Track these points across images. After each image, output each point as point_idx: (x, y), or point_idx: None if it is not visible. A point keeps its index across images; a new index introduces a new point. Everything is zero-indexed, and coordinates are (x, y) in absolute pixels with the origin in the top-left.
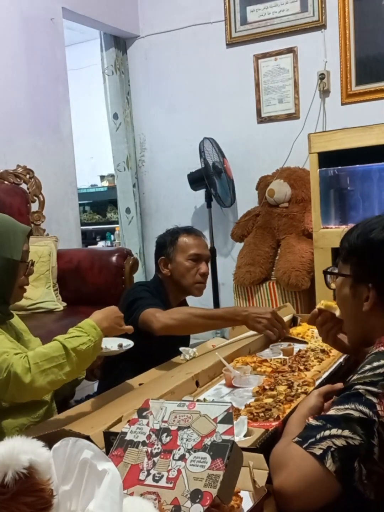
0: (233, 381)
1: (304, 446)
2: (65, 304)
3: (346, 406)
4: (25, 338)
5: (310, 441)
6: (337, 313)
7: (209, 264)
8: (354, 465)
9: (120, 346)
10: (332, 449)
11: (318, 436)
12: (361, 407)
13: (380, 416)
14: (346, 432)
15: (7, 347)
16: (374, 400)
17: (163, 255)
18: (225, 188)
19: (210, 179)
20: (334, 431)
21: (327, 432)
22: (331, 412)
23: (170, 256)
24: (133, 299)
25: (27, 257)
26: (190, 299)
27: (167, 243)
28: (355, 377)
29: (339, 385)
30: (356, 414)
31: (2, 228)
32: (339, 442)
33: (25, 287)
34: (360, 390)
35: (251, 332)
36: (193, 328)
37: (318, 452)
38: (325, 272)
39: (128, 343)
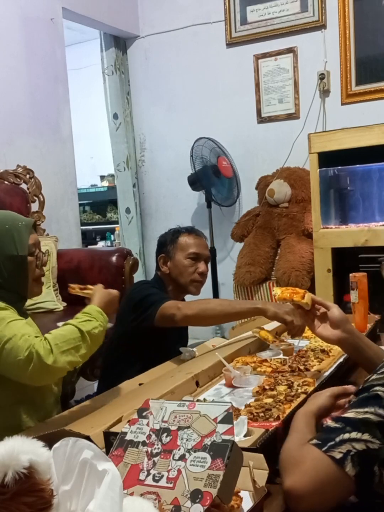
0: (233, 381)
1: (323, 449)
2: (65, 304)
3: (365, 409)
4: None
5: (329, 444)
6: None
7: (209, 265)
8: (374, 469)
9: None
10: (352, 453)
11: (337, 439)
12: (380, 411)
13: None
14: (366, 436)
15: (28, 330)
16: None
17: (163, 253)
18: (224, 188)
19: (205, 182)
20: (354, 434)
21: (347, 435)
22: (350, 414)
23: (169, 254)
24: (142, 297)
25: (36, 249)
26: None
27: (167, 241)
28: (374, 377)
29: (353, 388)
30: (375, 418)
31: (3, 226)
32: (359, 446)
33: (42, 278)
34: (379, 393)
35: (251, 332)
36: (211, 319)
37: (338, 456)
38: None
39: (109, 325)
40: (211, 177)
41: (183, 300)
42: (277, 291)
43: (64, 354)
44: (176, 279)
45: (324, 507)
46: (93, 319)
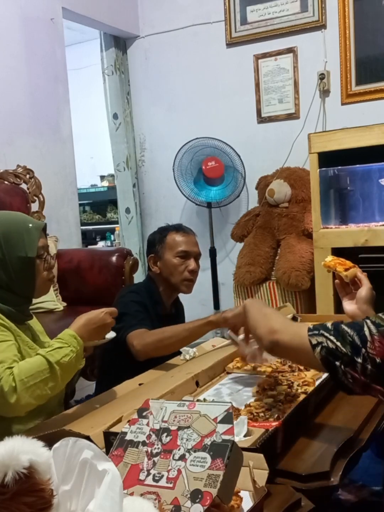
0: (248, 359)
1: (309, 333)
2: (65, 304)
3: (350, 330)
4: (41, 340)
5: (314, 332)
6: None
7: (210, 265)
8: (336, 363)
9: (104, 337)
10: (323, 344)
11: (322, 332)
12: (356, 338)
13: (368, 352)
14: (338, 343)
15: (6, 356)
16: (368, 338)
17: (153, 253)
18: (212, 190)
19: (190, 188)
20: (331, 337)
21: (327, 334)
22: (342, 325)
23: (159, 254)
24: (122, 313)
25: (45, 252)
26: (186, 299)
27: (156, 241)
28: (379, 314)
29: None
30: (350, 338)
31: (14, 226)
32: (330, 345)
33: (52, 279)
34: (365, 323)
35: None
36: (170, 347)
37: (314, 341)
38: None
39: (111, 335)
40: (201, 181)
41: (177, 299)
42: (328, 257)
43: (29, 390)
44: (167, 279)
45: (287, 358)
46: (65, 345)
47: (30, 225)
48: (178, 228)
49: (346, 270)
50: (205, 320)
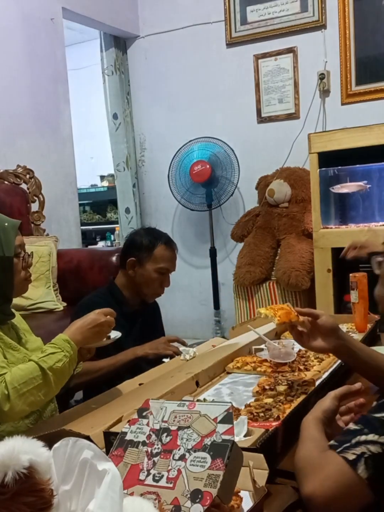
0: (270, 355)
1: (337, 450)
2: (65, 304)
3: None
4: (26, 338)
5: (344, 445)
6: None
7: (210, 264)
8: None
9: (108, 337)
10: (366, 455)
11: (354, 441)
12: None
13: None
14: (383, 439)
15: None
16: None
17: (134, 257)
18: (199, 194)
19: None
20: (370, 436)
21: (363, 438)
22: (371, 416)
23: (141, 261)
24: None
25: (22, 250)
26: (187, 300)
27: (143, 247)
28: None
29: (358, 385)
30: None
31: None
32: (375, 449)
33: (29, 278)
34: None
35: (252, 332)
36: (95, 378)
37: (351, 457)
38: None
39: (116, 335)
40: (190, 187)
41: (144, 303)
42: (262, 310)
43: (23, 397)
44: (138, 286)
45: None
46: (58, 350)
47: (6, 224)
48: (167, 242)
49: (297, 316)
50: (133, 355)
